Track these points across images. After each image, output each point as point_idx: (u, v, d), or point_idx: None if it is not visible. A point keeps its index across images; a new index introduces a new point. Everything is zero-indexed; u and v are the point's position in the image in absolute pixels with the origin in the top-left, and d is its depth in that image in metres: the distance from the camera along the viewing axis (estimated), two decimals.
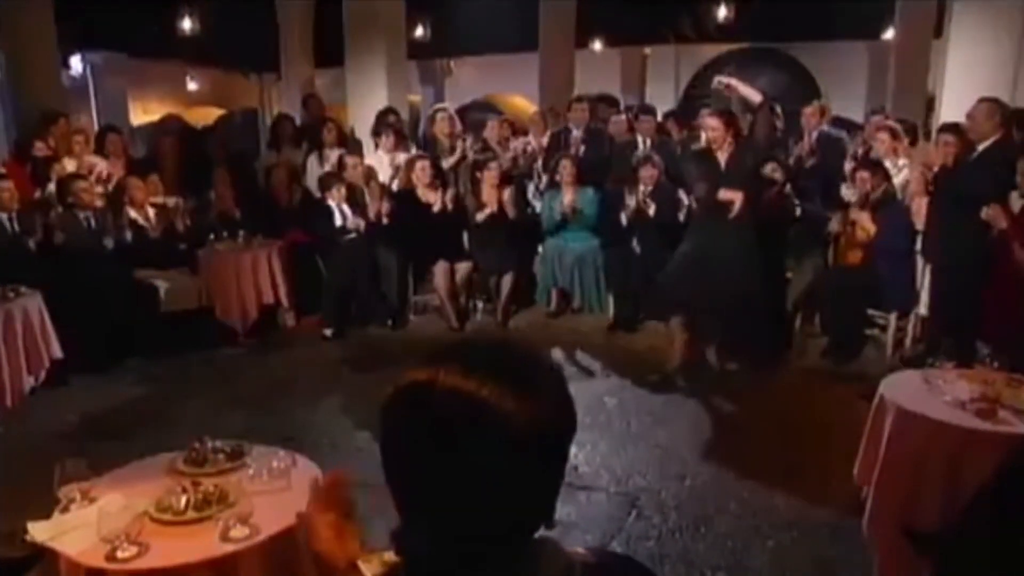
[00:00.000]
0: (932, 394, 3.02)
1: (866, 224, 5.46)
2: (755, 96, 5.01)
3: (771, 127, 5.24)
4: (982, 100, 4.92)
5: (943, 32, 7.05)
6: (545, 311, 6.83)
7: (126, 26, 10.00)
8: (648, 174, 6.35)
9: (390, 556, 0.84)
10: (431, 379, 0.83)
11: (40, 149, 6.46)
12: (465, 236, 6.71)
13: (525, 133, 7.71)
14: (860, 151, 6.62)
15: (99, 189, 6.09)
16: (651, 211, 6.28)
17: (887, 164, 5.81)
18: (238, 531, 2.16)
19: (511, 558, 0.85)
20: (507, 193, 6.63)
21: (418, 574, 0.81)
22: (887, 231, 5.42)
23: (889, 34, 10.20)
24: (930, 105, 7.08)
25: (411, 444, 0.84)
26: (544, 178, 7.09)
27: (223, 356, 5.88)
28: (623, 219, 6.35)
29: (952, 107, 6.01)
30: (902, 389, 3.12)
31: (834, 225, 5.71)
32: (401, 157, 6.99)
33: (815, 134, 6.75)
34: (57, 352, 5.02)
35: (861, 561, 3.10)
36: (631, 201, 6.28)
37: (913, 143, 6.36)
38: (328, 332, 6.28)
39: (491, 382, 0.82)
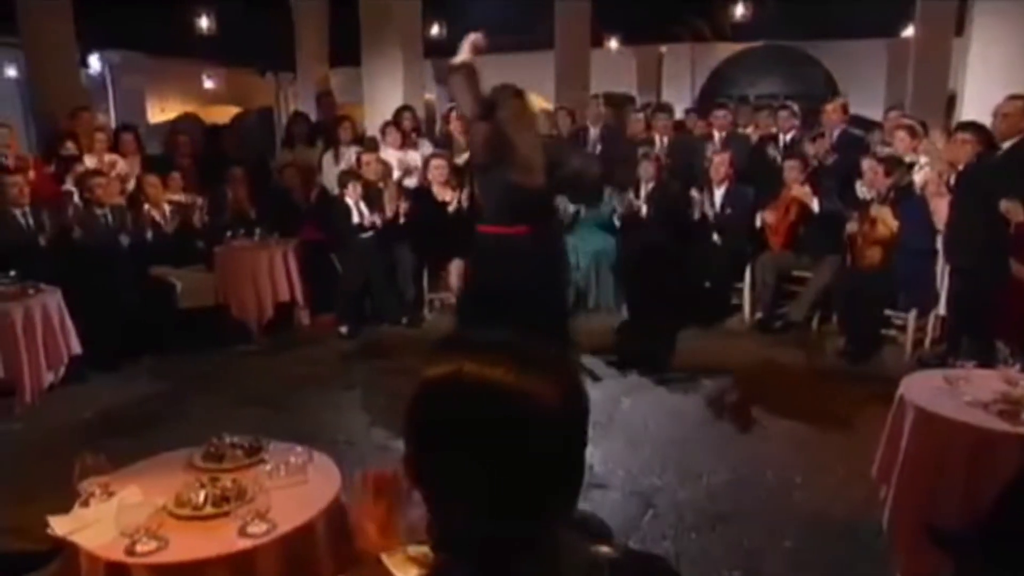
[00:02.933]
0: (953, 394, 2.99)
1: (888, 220, 5.42)
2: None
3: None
4: (1014, 97, 4.87)
5: (964, 30, 6.98)
6: None
7: (144, 25, 10.08)
8: (648, 171, 6.34)
9: (415, 550, 0.85)
10: (456, 371, 0.84)
11: (69, 148, 6.51)
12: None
13: None
14: (878, 149, 6.58)
15: (118, 187, 6.14)
16: (643, 212, 6.27)
17: (908, 160, 5.76)
18: (256, 527, 2.16)
19: (539, 553, 0.85)
20: None
21: (449, 570, 0.82)
22: (908, 228, 5.39)
23: (909, 31, 10.13)
24: (950, 103, 7.00)
25: (443, 437, 0.84)
26: None
27: (238, 354, 5.91)
28: (615, 220, 6.35)
29: (974, 105, 5.95)
30: (922, 389, 3.09)
31: (853, 225, 5.66)
32: (412, 155, 7.00)
33: (836, 132, 6.70)
34: (76, 348, 5.06)
35: (880, 561, 3.08)
36: (619, 202, 6.27)
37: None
38: (343, 330, 6.30)
39: (516, 368, 0.83)
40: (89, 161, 6.38)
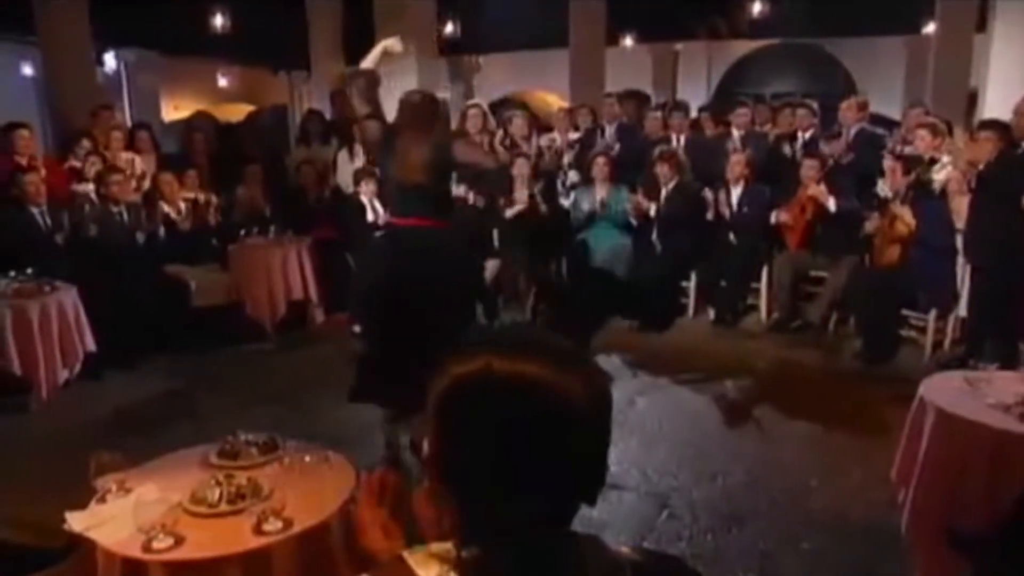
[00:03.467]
0: (974, 396, 2.96)
1: (907, 218, 5.37)
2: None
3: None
4: None
5: (986, 26, 6.92)
6: None
7: (159, 23, 10.14)
8: (664, 171, 6.34)
9: (437, 548, 0.85)
10: (485, 367, 0.84)
11: (86, 146, 6.54)
12: (495, 233, 6.71)
13: (549, 129, 7.70)
14: (899, 148, 6.53)
15: (134, 185, 6.19)
16: (651, 211, 6.27)
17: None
18: (271, 524, 2.18)
19: (565, 550, 0.85)
20: (537, 188, 6.62)
21: (481, 565, 0.82)
22: (926, 226, 5.34)
23: (929, 28, 10.03)
24: (971, 101, 6.94)
25: (474, 434, 0.85)
26: (571, 175, 7.08)
27: (252, 352, 5.94)
28: (632, 220, 6.36)
29: (996, 103, 5.90)
30: (943, 390, 3.06)
31: (872, 224, 5.62)
32: None
33: (853, 130, 6.66)
34: (91, 345, 5.11)
35: (899, 564, 3.06)
36: (632, 200, 6.28)
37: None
38: (357, 329, 6.30)
39: (545, 364, 0.84)
40: (110, 159, 6.41)
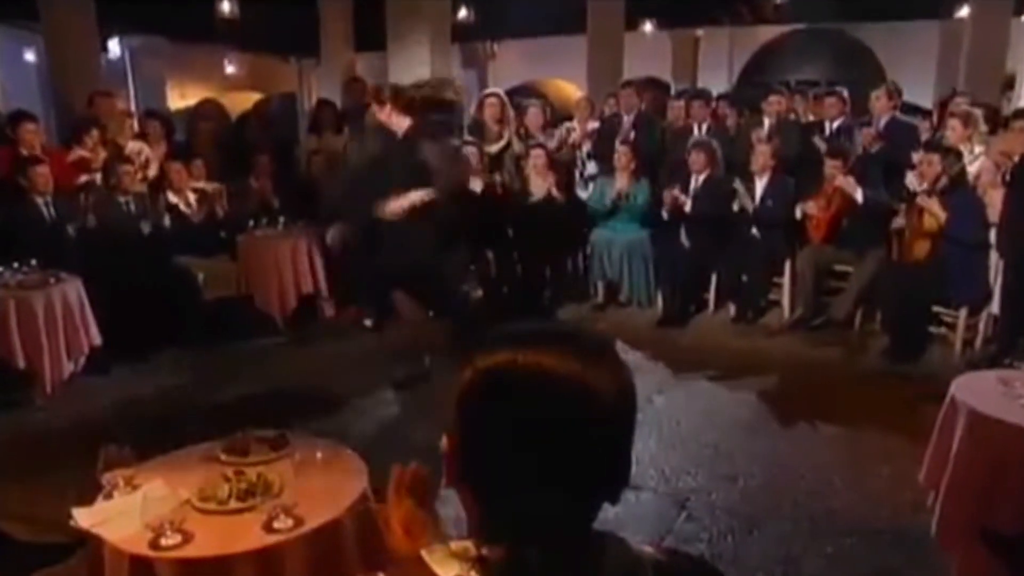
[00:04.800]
0: (1009, 396, 2.94)
1: (936, 211, 5.32)
2: None
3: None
4: None
5: None
6: (592, 303, 6.82)
7: (165, 9, 10.18)
8: (698, 162, 6.30)
9: (457, 546, 0.85)
10: (511, 360, 0.84)
11: (93, 135, 6.58)
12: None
13: (568, 119, 7.69)
14: (928, 136, 6.47)
15: (140, 175, 6.22)
16: (687, 207, 6.24)
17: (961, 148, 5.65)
18: (282, 522, 2.19)
19: (582, 552, 0.86)
20: (553, 179, 6.62)
21: (497, 569, 0.82)
22: (957, 219, 5.28)
23: (963, 12, 9.91)
24: (1009, 87, 6.83)
25: (498, 427, 0.85)
26: (589, 166, 7.05)
27: (261, 346, 5.97)
28: (663, 213, 6.33)
29: None
30: (975, 390, 3.04)
31: (900, 220, 5.56)
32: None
33: (884, 119, 6.59)
34: (97, 339, 5.15)
35: (928, 568, 3.05)
36: (667, 196, 6.25)
37: (993, 131, 6.15)
38: (368, 322, 6.34)
39: (571, 357, 0.84)
40: (116, 147, 6.45)
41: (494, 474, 0.86)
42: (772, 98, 7.02)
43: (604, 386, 0.85)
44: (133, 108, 10.37)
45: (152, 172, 6.47)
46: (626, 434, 0.89)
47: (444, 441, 0.90)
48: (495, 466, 0.86)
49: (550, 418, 0.83)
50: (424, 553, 0.85)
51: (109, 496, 2.32)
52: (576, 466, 0.84)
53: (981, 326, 5.47)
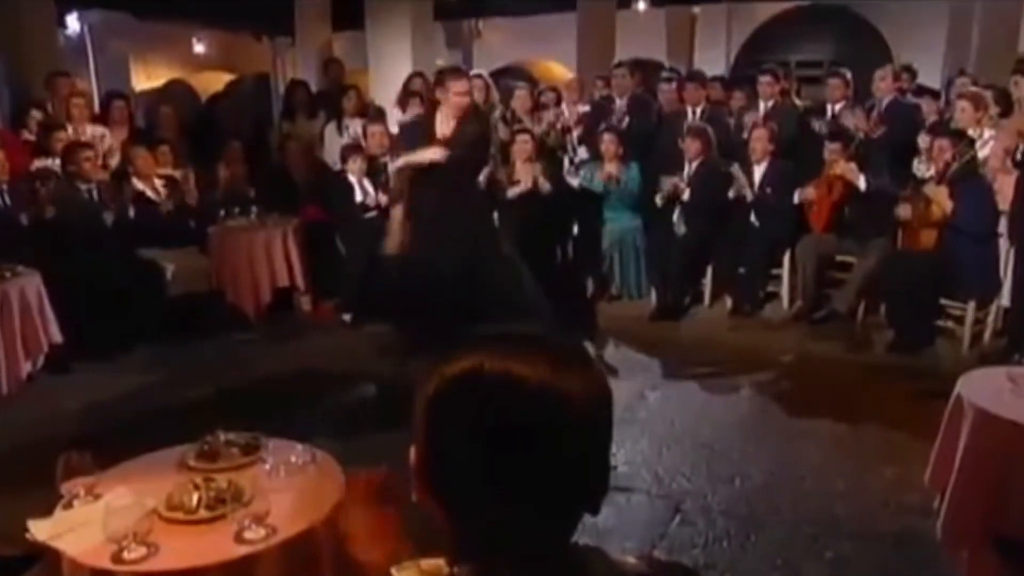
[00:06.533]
0: (1018, 395, 2.95)
1: (943, 201, 5.34)
2: None
3: None
4: None
5: None
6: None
7: None
8: (692, 147, 6.31)
9: (428, 564, 0.85)
10: (478, 367, 0.84)
11: (36, 117, 6.53)
12: (495, 215, 6.70)
13: (557, 103, 7.67)
14: (935, 120, 6.48)
15: (101, 162, 6.16)
16: (685, 195, 6.25)
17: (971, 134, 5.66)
18: (253, 532, 2.18)
19: (559, 568, 0.85)
20: (539, 168, 6.60)
21: None
22: (966, 209, 5.29)
23: None
24: (1021, 68, 6.85)
25: (463, 438, 0.84)
26: (580, 152, 7.05)
27: (234, 343, 5.95)
28: (657, 200, 6.34)
29: None
30: (983, 388, 3.05)
31: (905, 210, 5.58)
32: None
33: (885, 101, 6.61)
34: (57, 336, 5.11)
35: (934, 573, 3.07)
36: (664, 184, 6.26)
37: (1005, 113, 6.17)
38: (347, 318, 6.32)
39: (541, 362, 0.84)
40: (72, 132, 6.38)
41: (462, 488, 0.86)
42: (764, 79, 7.00)
43: (576, 392, 0.84)
44: (95, 90, 10.27)
45: (114, 159, 6.41)
46: (601, 442, 0.89)
47: (412, 453, 0.90)
48: (463, 479, 0.85)
49: (519, 427, 0.83)
50: (394, 571, 0.85)
51: (69, 506, 2.30)
52: (548, 478, 0.84)
53: (990, 319, 5.51)
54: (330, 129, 7.32)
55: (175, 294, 6.01)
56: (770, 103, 6.91)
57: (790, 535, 3.40)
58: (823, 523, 3.48)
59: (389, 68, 7.96)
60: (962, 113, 5.86)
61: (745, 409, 4.74)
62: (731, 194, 6.36)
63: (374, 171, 6.47)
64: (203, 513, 2.28)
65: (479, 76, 7.26)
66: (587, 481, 0.88)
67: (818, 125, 6.62)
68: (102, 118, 6.92)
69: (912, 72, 6.96)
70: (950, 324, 5.63)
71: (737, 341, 5.85)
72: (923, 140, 5.95)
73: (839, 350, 5.64)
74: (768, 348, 5.67)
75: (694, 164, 6.40)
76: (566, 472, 0.85)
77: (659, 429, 4.44)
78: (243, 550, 2.15)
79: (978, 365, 4.17)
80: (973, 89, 6.18)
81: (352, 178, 6.39)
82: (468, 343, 0.88)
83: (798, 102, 7.28)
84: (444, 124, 4.87)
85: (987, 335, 5.52)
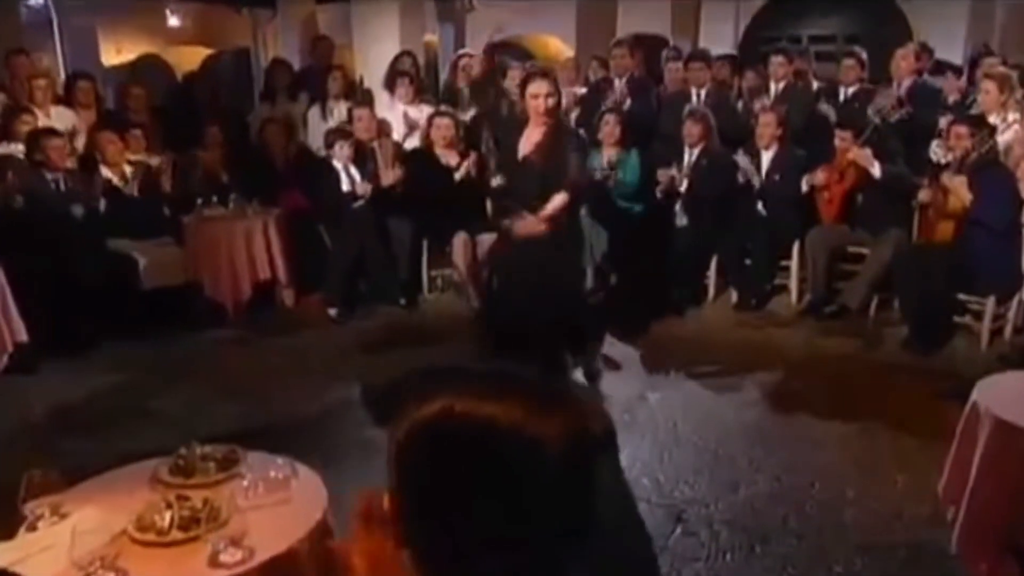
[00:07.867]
0: None
1: (961, 192, 5.33)
2: None
3: None
4: None
5: None
6: None
7: None
8: (692, 133, 6.29)
9: None
10: (447, 411, 0.83)
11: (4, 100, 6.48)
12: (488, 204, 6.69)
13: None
14: (957, 98, 6.44)
15: (68, 147, 6.11)
16: (683, 187, 6.24)
17: (993, 120, 5.64)
18: (230, 555, 2.18)
19: None
20: None
21: None
22: (986, 200, 5.28)
23: None
24: None
25: (433, 485, 0.84)
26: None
27: (212, 339, 5.94)
28: (657, 192, 6.33)
29: None
30: (1002, 394, 3.05)
31: (926, 194, 5.56)
32: (424, 110, 6.96)
33: (907, 83, 6.57)
34: (21, 334, 5.09)
35: None
36: (663, 175, 6.25)
37: None
38: (333, 312, 6.32)
39: (514, 404, 0.84)
40: (38, 116, 6.33)
41: (433, 535, 0.86)
42: (776, 59, 6.96)
43: (552, 437, 0.83)
44: (61, 67, 10.18)
45: (80, 143, 6.36)
46: (580, 488, 0.87)
47: (385, 499, 0.90)
48: (433, 526, 0.85)
49: (491, 474, 0.82)
50: None
51: (33, 528, 2.30)
52: (523, 527, 0.83)
53: (1011, 315, 5.51)
54: (313, 111, 7.29)
55: (148, 288, 5.98)
56: (781, 85, 6.87)
57: (797, 547, 3.42)
58: (831, 534, 3.49)
59: (376, 45, 7.93)
60: (986, 95, 5.82)
61: (750, 411, 4.74)
62: (740, 179, 6.33)
63: (361, 157, 6.44)
64: (176, 535, 2.28)
65: (469, 55, 7.27)
66: (566, 528, 0.87)
67: (826, 109, 6.58)
68: (67, 100, 6.85)
69: (929, 51, 6.90)
70: (968, 320, 5.63)
71: (742, 338, 5.85)
72: (944, 122, 5.91)
73: (850, 347, 5.65)
74: (775, 345, 5.69)
75: (695, 151, 6.38)
76: (542, 520, 0.84)
77: (660, 433, 4.45)
78: (218, 574, 2.15)
79: (997, 364, 4.19)
80: (1001, 69, 6.11)
81: (338, 164, 6.37)
82: (441, 383, 0.88)
83: (815, 84, 7.23)
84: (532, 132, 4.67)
85: (1007, 332, 5.53)
